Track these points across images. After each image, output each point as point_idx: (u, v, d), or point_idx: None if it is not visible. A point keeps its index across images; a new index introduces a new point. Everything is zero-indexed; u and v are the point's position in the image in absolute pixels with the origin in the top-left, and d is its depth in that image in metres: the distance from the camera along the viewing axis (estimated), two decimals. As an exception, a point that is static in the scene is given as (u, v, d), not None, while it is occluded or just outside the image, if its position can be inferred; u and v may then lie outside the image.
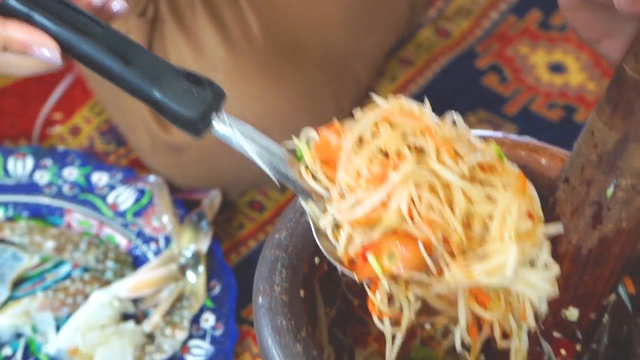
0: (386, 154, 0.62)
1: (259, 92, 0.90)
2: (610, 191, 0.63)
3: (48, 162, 0.97)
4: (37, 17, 0.65)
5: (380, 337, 0.74)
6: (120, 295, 0.89)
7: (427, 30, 1.12)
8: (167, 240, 0.92)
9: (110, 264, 0.92)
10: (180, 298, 0.89)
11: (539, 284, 0.63)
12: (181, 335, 0.87)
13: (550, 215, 0.66)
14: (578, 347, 0.69)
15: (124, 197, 0.95)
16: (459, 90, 1.07)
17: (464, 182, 0.61)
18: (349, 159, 0.62)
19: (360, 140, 0.63)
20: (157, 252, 0.92)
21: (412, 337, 0.77)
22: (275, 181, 0.65)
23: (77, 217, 0.95)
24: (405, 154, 0.61)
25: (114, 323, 0.88)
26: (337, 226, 0.64)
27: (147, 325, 0.88)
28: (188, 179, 0.94)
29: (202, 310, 0.89)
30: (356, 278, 0.63)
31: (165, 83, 0.66)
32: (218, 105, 0.65)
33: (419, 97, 1.02)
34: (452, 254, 0.61)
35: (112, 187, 0.96)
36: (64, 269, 0.93)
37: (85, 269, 0.93)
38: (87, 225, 0.95)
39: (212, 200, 0.92)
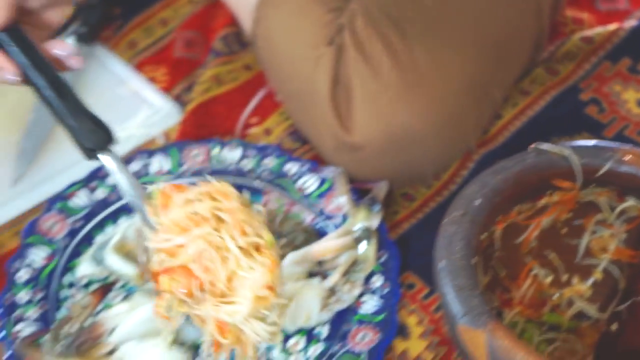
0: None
1: (421, 108, 0.97)
2: None
3: (252, 152, 1.05)
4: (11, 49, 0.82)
5: (522, 301, 0.81)
6: (308, 257, 0.97)
7: (540, 69, 1.18)
8: (344, 218, 0.99)
9: (299, 233, 1.00)
10: (354, 263, 0.96)
11: (260, 332, 0.80)
12: (356, 291, 0.94)
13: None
14: None
15: (310, 182, 1.03)
16: (567, 116, 1.13)
17: (239, 252, 0.78)
18: (173, 210, 0.80)
19: (188, 201, 0.80)
20: (336, 227, 0.99)
21: (542, 305, 0.84)
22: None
23: (273, 196, 1.03)
24: (209, 220, 0.78)
25: (304, 278, 0.96)
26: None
27: (329, 282, 0.95)
28: (362, 173, 1.00)
29: (371, 274, 0.96)
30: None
31: (79, 120, 0.82)
32: (108, 144, 0.83)
33: (536, 120, 1.09)
34: (214, 294, 0.78)
35: (300, 175, 1.03)
36: (263, 235, 1.01)
37: (279, 237, 1.00)
38: (280, 203, 1.02)
39: (381, 188, 0.98)
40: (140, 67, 1.20)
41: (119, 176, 0.83)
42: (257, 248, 0.81)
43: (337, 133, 0.98)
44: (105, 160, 0.83)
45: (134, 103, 1.15)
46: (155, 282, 0.81)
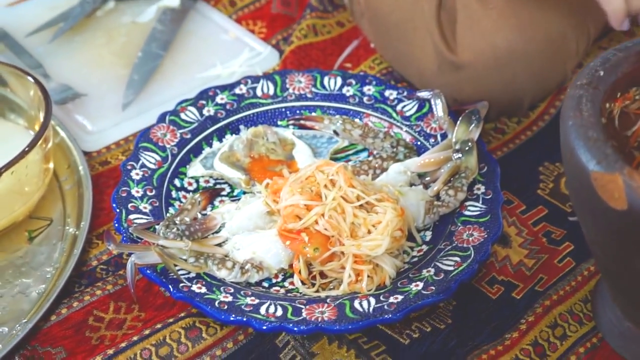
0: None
1: (526, 25, 0.92)
2: None
3: (353, 81, 1.00)
4: None
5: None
6: (410, 168, 0.91)
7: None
8: (443, 137, 0.94)
9: (401, 149, 0.94)
10: (457, 173, 0.90)
11: (390, 266, 0.81)
12: (461, 195, 0.88)
13: None
14: None
15: (409, 106, 0.98)
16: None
17: (354, 207, 0.82)
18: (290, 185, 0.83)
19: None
20: (435, 145, 0.94)
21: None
22: None
23: (372, 120, 0.98)
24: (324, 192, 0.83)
25: (407, 186, 0.90)
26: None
27: (432, 190, 0.89)
28: (464, 93, 0.96)
29: (474, 183, 0.90)
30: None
31: None
32: None
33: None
34: (355, 236, 0.81)
35: (400, 100, 0.98)
36: (364, 154, 0.96)
37: (382, 150, 0.95)
38: (380, 126, 0.97)
39: (483, 105, 0.93)
40: (239, 21, 1.17)
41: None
42: (380, 199, 0.84)
43: (441, 53, 0.95)
44: None
45: (236, 47, 1.11)
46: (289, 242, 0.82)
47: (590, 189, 0.66)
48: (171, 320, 0.81)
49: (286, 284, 0.84)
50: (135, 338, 0.80)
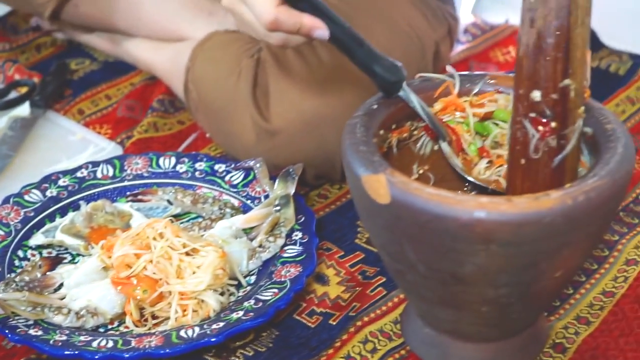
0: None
1: (327, 96, 1.08)
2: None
3: (185, 159, 1.13)
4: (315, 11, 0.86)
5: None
6: (236, 224, 1.03)
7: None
8: (267, 197, 1.07)
9: (228, 210, 1.06)
10: (277, 224, 1.02)
11: (214, 301, 0.93)
12: (280, 241, 1.00)
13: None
14: (553, 124, 0.79)
15: (236, 176, 1.11)
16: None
17: (180, 254, 0.94)
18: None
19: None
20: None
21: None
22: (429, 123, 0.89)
23: (204, 191, 1.10)
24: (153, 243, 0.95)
25: (234, 239, 1.02)
26: None
27: (255, 241, 1.01)
28: (281, 158, 1.09)
29: (292, 231, 1.02)
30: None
31: (379, 61, 0.88)
32: (404, 78, 0.88)
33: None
34: (180, 276, 0.93)
35: (228, 172, 1.11)
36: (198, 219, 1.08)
37: (211, 213, 1.07)
38: (210, 195, 1.09)
39: (297, 167, 1.06)
40: (87, 125, 1.29)
41: (415, 104, 0.88)
42: (204, 245, 0.96)
43: (258, 123, 1.09)
44: (403, 94, 0.88)
45: (82, 145, 1.23)
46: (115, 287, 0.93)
47: (363, 192, 0.79)
48: (11, 365, 0.89)
49: (121, 328, 0.93)
50: (-25, 384, 0.87)
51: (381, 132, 0.87)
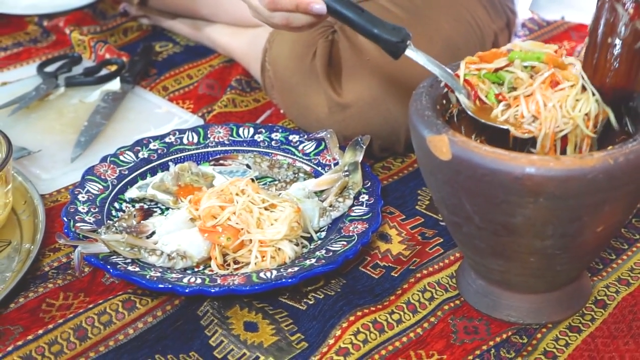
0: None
1: (395, 73, 1.20)
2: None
3: (262, 129, 1.26)
4: None
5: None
6: (308, 187, 1.15)
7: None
8: (336, 165, 1.19)
9: (301, 175, 1.19)
10: (346, 187, 1.14)
11: (289, 250, 1.05)
12: (348, 202, 1.12)
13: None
14: None
15: (309, 146, 1.23)
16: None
17: (260, 208, 1.06)
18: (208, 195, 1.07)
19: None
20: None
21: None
22: (446, 81, 0.96)
23: (279, 158, 1.23)
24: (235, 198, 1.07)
25: (307, 199, 1.14)
26: None
27: (326, 202, 1.13)
28: (350, 129, 1.21)
29: (359, 194, 1.14)
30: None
31: (380, 25, 0.98)
32: (408, 38, 0.97)
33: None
34: (260, 225, 1.05)
35: (301, 142, 1.24)
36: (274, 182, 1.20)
37: (286, 177, 1.19)
38: (285, 162, 1.22)
39: (366, 137, 1.19)
40: (171, 100, 1.43)
41: (423, 61, 0.96)
42: (281, 201, 1.09)
43: (331, 97, 1.21)
44: (410, 52, 0.97)
45: (167, 117, 1.37)
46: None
47: (427, 150, 0.91)
48: (111, 297, 1.02)
49: (206, 271, 1.06)
50: (80, 311, 1.00)
51: (444, 101, 0.99)
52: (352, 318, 0.99)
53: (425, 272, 1.07)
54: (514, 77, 0.94)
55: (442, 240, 1.12)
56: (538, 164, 0.86)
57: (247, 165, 1.21)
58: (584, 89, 0.92)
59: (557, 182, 0.86)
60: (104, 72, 1.47)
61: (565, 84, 0.92)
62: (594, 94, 0.92)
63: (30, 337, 0.97)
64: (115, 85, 1.43)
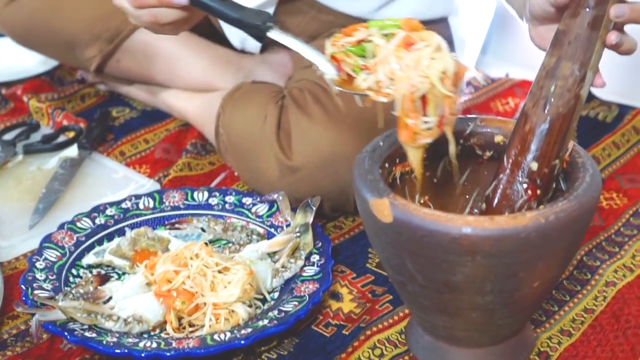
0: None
1: (343, 136, 1.25)
2: (552, 89, 0.97)
3: (217, 193, 1.30)
4: None
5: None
6: (261, 248, 1.20)
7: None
8: (288, 226, 1.24)
9: (255, 237, 1.24)
10: (298, 248, 1.19)
11: (243, 311, 1.08)
12: (300, 262, 1.17)
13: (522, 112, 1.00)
14: (538, 192, 0.98)
15: (262, 208, 1.28)
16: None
17: (213, 271, 1.10)
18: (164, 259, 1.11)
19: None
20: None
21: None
22: (312, 59, 0.98)
23: (233, 220, 1.27)
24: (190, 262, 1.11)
25: (260, 261, 1.18)
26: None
27: (278, 263, 1.18)
28: (301, 192, 1.26)
29: (310, 254, 1.19)
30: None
31: (242, 10, 1.01)
32: (270, 20, 1.00)
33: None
34: (213, 289, 1.10)
35: (254, 204, 1.28)
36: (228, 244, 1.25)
37: (240, 240, 1.23)
38: (239, 224, 1.26)
39: (315, 199, 1.23)
40: (128, 165, 1.47)
41: (288, 41, 0.99)
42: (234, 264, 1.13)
43: (281, 161, 1.26)
44: (274, 34, 1.00)
45: (124, 182, 1.41)
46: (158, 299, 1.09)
47: (370, 213, 0.96)
48: (68, 364, 1.05)
49: (162, 334, 1.09)
50: (39, 379, 1.03)
51: (386, 164, 1.05)
52: (303, 378, 1.03)
53: (375, 329, 1.11)
54: (375, 45, 0.94)
55: (391, 297, 1.16)
56: (474, 224, 0.91)
57: (202, 229, 1.26)
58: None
59: (492, 241, 0.91)
60: (61, 138, 1.51)
61: (420, 44, 0.92)
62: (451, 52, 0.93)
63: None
64: (72, 151, 1.47)
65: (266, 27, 1.00)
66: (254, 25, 0.99)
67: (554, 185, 1.01)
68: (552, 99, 0.97)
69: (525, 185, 0.99)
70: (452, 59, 0.92)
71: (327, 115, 1.27)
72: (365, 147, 1.05)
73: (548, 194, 1.01)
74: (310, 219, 1.21)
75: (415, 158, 1.00)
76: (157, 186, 1.40)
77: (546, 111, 0.98)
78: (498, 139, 1.06)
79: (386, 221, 0.95)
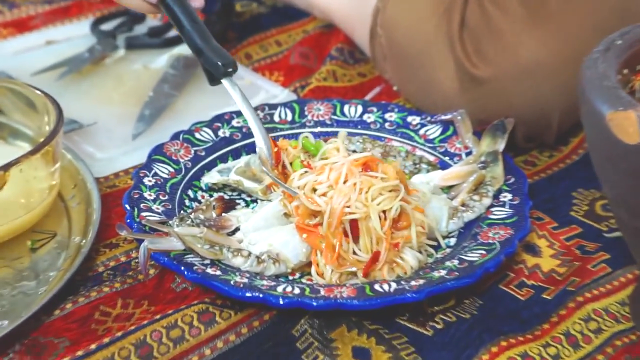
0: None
1: (551, 38, 1.13)
2: None
3: (374, 108, 1.20)
4: None
5: None
6: (433, 180, 1.09)
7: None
8: (468, 154, 1.12)
9: (424, 166, 1.13)
10: (482, 183, 1.07)
11: (412, 258, 0.98)
12: (486, 201, 1.05)
13: None
14: None
15: (433, 130, 1.17)
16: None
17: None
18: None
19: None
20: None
21: None
22: (253, 129, 1.08)
23: (395, 143, 1.16)
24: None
25: (432, 196, 1.07)
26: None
27: (456, 201, 1.07)
28: (487, 109, 1.14)
29: (500, 191, 1.07)
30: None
31: (208, 42, 1.06)
32: (232, 66, 1.05)
33: None
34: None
35: (423, 125, 1.17)
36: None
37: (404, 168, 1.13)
38: (403, 149, 1.16)
39: (509, 121, 1.11)
40: (256, 70, 1.38)
41: (237, 98, 1.06)
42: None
43: (464, 68, 1.15)
44: (227, 83, 1.06)
45: (252, 90, 1.32)
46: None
47: (606, 132, 0.84)
48: (183, 306, 0.96)
49: (304, 280, 0.99)
50: (145, 322, 0.95)
51: (625, 71, 0.92)
52: (494, 349, 0.92)
53: (588, 295, 0.99)
54: (334, 147, 1.04)
55: (608, 256, 1.04)
56: None
57: (354, 151, 1.15)
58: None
59: None
60: (172, 33, 1.44)
61: (379, 174, 0.98)
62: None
63: (79, 353, 0.91)
64: (186, 49, 1.38)
65: (225, 72, 1.05)
66: (214, 62, 1.05)
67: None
68: None
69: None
70: (398, 205, 0.97)
71: (529, 11, 1.14)
72: (597, 46, 0.92)
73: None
74: (501, 147, 1.09)
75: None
76: (294, 97, 1.30)
77: None
78: None
79: (630, 142, 0.82)
